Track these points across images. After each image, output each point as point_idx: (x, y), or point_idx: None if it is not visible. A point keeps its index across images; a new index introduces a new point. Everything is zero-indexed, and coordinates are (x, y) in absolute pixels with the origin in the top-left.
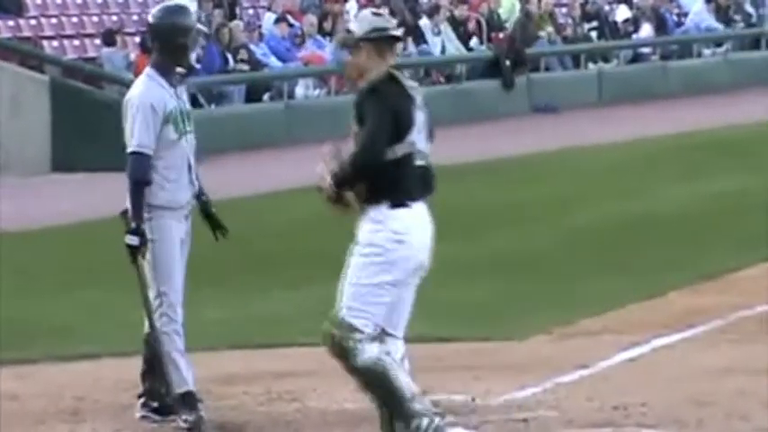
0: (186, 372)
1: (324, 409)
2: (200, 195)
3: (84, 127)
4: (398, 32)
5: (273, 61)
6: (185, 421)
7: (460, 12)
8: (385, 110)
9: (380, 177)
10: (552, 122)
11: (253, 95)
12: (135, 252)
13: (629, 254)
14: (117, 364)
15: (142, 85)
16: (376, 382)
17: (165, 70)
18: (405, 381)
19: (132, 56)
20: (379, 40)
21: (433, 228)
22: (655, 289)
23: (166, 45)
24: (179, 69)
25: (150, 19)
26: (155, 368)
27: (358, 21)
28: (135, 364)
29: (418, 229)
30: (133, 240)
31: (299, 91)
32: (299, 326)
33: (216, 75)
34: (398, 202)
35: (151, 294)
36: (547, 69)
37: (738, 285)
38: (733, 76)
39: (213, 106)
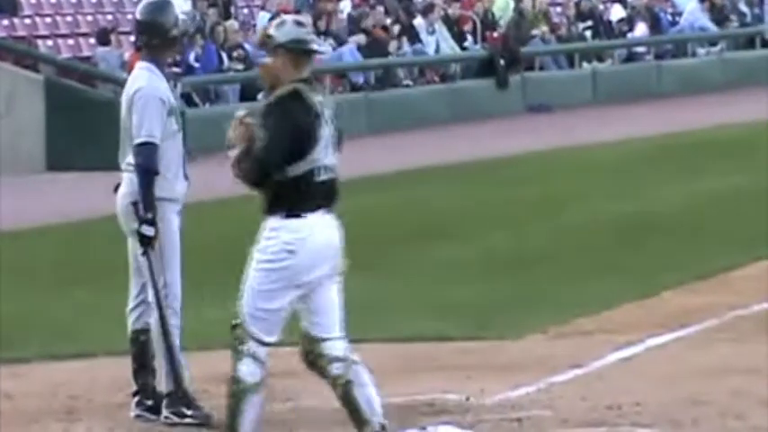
0: (186, 368)
1: (318, 409)
2: None
3: (78, 126)
4: (318, 47)
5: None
6: (190, 416)
7: (454, 10)
8: (285, 127)
9: (279, 192)
10: (546, 122)
11: (247, 94)
12: (148, 242)
13: (623, 253)
14: (111, 363)
15: (146, 79)
16: (229, 396)
17: (158, 64)
18: (248, 423)
19: (126, 55)
20: (298, 52)
21: (340, 233)
22: (649, 288)
23: (157, 40)
24: (175, 69)
25: (138, 16)
26: (146, 366)
27: (279, 26)
28: (129, 363)
29: (314, 238)
30: (149, 231)
31: None
32: (289, 325)
33: (211, 74)
34: (293, 214)
35: (159, 280)
36: (541, 69)
37: (732, 285)
38: (728, 76)
39: (208, 105)
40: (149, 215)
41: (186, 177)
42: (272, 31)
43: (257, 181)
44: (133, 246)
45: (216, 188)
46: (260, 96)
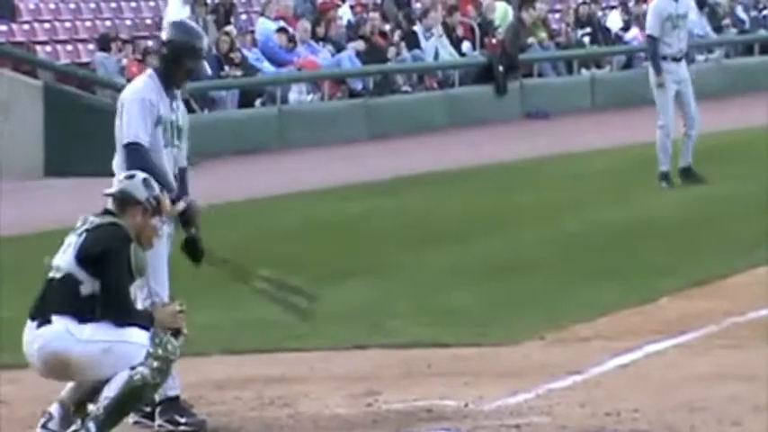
0: (176, 376)
1: (316, 415)
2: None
3: (77, 132)
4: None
5: (267, 66)
6: (184, 423)
7: (454, 19)
8: None
9: None
10: (545, 128)
11: (246, 101)
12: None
13: (620, 260)
14: None
15: (140, 83)
16: None
17: (165, 80)
18: None
19: (125, 61)
20: None
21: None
22: (647, 295)
23: (173, 63)
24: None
25: (164, 34)
26: None
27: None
28: None
29: None
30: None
31: (293, 96)
32: (290, 331)
33: (209, 80)
34: None
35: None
36: (540, 75)
37: (729, 291)
38: (726, 82)
39: (206, 111)
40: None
41: (174, 191)
42: None
43: None
44: None
45: (214, 194)
46: (258, 103)
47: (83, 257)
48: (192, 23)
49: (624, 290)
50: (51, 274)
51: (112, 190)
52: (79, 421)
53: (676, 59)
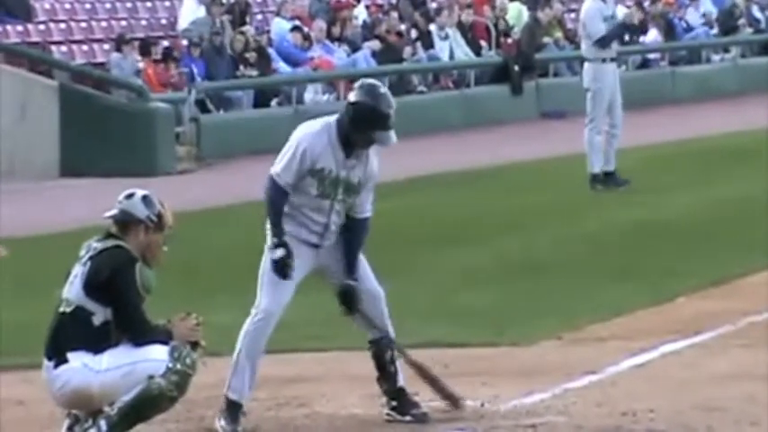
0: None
1: (332, 415)
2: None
3: (92, 132)
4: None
5: (282, 66)
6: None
7: (467, 16)
8: None
9: None
10: (561, 128)
11: (261, 100)
12: (283, 264)
13: (637, 260)
14: None
15: (315, 128)
16: None
17: (345, 138)
18: None
19: (141, 65)
20: None
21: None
22: (663, 295)
23: (354, 127)
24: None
25: (353, 94)
26: None
27: None
28: None
29: None
30: (272, 254)
31: (308, 96)
32: (305, 331)
33: (225, 80)
34: None
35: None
36: (555, 75)
37: (746, 291)
38: (742, 82)
39: (222, 111)
40: (275, 240)
41: (322, 238)
42: None
43: None
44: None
45: (229, 194)
46: (274, 103)
47: (90, 287)
48: (383, 88)
49: (640, 290)
50: (62, 309)
51: (112, 212)
52: (91, 420)
53: (613, 59)
